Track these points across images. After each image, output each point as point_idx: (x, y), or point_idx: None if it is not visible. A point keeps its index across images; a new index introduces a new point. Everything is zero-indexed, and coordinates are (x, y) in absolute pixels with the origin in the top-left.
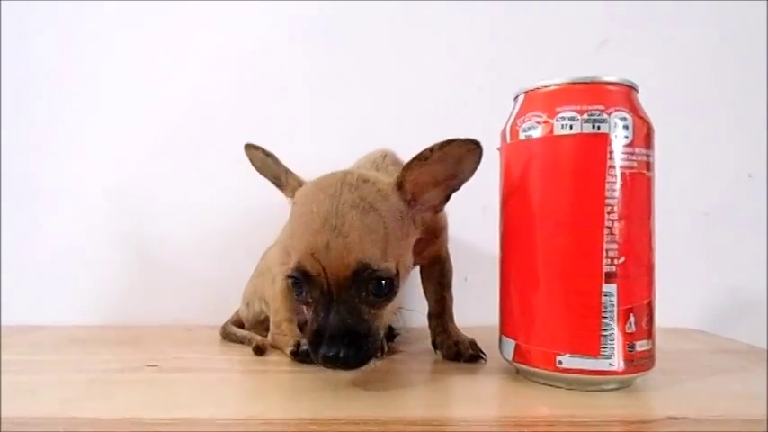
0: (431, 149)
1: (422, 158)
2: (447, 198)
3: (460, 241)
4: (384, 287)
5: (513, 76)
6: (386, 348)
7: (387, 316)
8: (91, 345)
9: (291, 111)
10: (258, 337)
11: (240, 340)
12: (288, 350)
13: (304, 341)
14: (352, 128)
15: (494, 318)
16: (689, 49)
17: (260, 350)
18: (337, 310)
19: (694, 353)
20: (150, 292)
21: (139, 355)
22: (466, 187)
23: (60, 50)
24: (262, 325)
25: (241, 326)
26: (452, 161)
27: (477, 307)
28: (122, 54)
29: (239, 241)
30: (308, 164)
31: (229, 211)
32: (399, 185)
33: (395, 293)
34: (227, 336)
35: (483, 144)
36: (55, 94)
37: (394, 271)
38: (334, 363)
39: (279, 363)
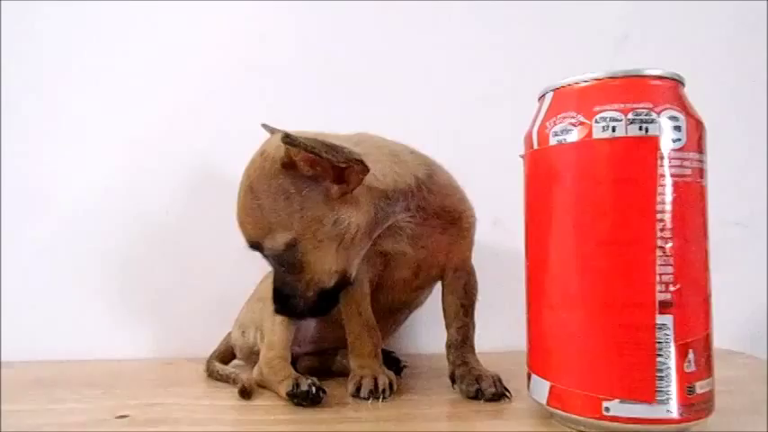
0: (318, 152)
1: (310, 152)
2: (362, 168)
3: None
4: (278, 258)
5: (527, 76)
6: (394, 387)
7: (316, 276)
8: (54, 388)
9: (291, 111)
10: (244, 377)
11: (225, 379)
12: (284, 390)
13: (306, 381)
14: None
15: (507, 343)
16: (715, 45)
17: (246, 393)
18: (274, 276)
19: (744, 383)
20: (126, 320)
21: (108, 401)
22: (475, 198)
23: (37, 50)
24: (256, 356)
25: (227, 357)
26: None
27: (487, 331)
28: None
29: (229, 260)
30: None
31: (218, 228)
32: (287, 166)
33: (295, 263)
34: (211, 373)
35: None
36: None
37: (280, 246)
38: (278, 314)
39: (272, 409)
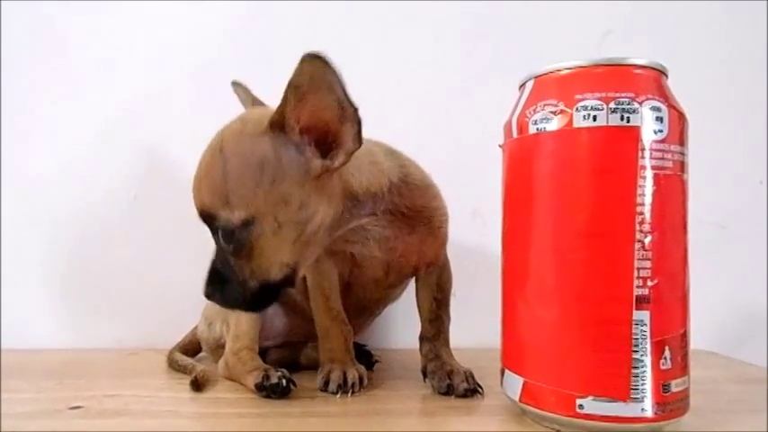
0: (342, 86)
1: (292, 90)
2: (357, 135)
3: (447, 251)
4: (229, 236)
5: (510, 69)
6: (364, 381)
7: (264, 265)
8: (8, 378)
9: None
10: (199, 368)
11: (183, 370)
12: (252, 382)
13: (275, 374)
14: None
15: (485, 340)
16: (697, 45)
17: (197, 385)
18: (215, 253)
19: (717, 383)
20: (90, 307)
21: (63, 392)
22: (453, 189)
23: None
24: (222, 350)
25: (192, 350)
26: (319, 84)
27: (465, 327)
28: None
29: (198, 249)
30: None
31: (188, 215)
32: (275, 126)
33: (246, 244)
34: (171, 364)
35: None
36: None
37: (236, 221)
38: (207, 298)
39: (236, 403)
